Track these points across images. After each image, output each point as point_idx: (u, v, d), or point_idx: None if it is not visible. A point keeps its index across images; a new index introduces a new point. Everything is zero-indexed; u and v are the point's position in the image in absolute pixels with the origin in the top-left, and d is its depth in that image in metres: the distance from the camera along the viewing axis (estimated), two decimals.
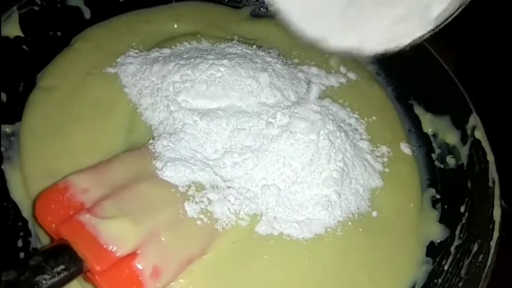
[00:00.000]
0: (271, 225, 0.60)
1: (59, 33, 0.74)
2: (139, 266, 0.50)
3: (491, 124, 0.70)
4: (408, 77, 0.82)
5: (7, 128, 0.64)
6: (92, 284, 0.51)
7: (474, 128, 0.70)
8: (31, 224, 0.59)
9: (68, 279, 0.47)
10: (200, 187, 0.58)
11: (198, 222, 0.55)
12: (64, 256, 0.47)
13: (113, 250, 0.48)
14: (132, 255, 0.50)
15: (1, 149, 0.62)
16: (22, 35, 0.69)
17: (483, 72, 0.95)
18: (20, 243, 0.58)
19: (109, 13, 0.80)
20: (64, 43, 0.75)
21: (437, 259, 0.65)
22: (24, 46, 0.69)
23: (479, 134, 0.69)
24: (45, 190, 0.55)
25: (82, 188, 0.53)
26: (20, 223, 0.59)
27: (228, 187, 0.60)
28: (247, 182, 0.61)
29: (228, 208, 0.58)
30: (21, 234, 0.59)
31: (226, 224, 0.57)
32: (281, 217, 0.61)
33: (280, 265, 0.59)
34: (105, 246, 0.48)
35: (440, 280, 0.62)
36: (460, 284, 0.59)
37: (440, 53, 0.78)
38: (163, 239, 0.52)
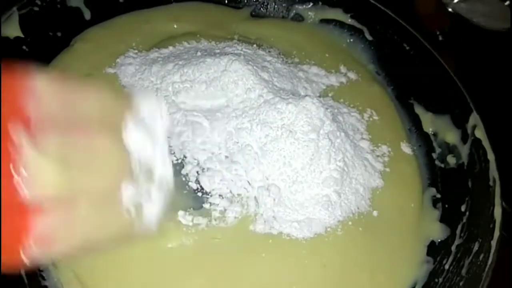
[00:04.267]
0: (269, 225, 0.60)
1: (59, 34, 0.74)
2: (34, 223, 0.37)
3: (492, 123, 0.70)
4: (408, 76, 0.82)
5: None
6: None
7: (474, 127, 0.70)
8: None
9: None
10: (150, 174, 0.44)
11: (124, 212, 0.42)
12: None
13: (25, 182, 0.35)
14: (36, 208, 0.37)
15: None
16: (22, 35, 0.69)
17: (483, 71, 0.95)
18: None
19: (109, 13, 0.80)
20: (64, 43, 0.75)
21: (438, 259, 0.64)
22: (24, 47, 0.69)
23: (480, 133, 0.69)
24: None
25: (40, 95, 0.39)
26: None
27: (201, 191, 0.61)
28: (244, 182, 0.61)
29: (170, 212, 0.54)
30: None
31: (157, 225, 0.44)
32: (281, 216, 0.61)
33: (280, 264, 0.58)
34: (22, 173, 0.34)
35: (441, 280, 0.62)
36: (461, 283, 0.59)
37: (440, 52, 0.78)
38: (78, 210, 0.40)
